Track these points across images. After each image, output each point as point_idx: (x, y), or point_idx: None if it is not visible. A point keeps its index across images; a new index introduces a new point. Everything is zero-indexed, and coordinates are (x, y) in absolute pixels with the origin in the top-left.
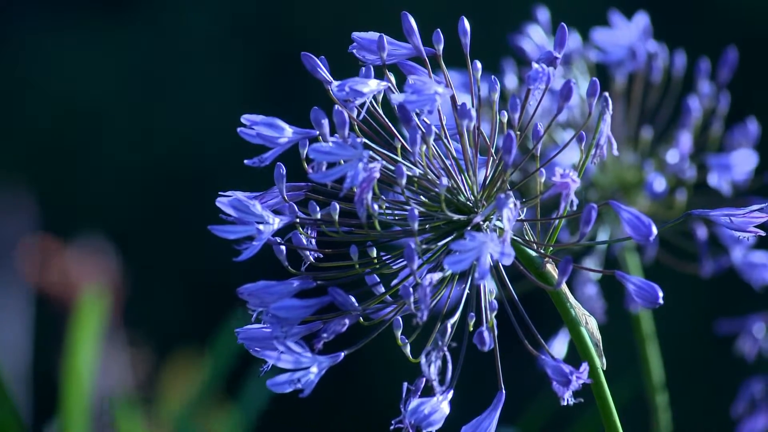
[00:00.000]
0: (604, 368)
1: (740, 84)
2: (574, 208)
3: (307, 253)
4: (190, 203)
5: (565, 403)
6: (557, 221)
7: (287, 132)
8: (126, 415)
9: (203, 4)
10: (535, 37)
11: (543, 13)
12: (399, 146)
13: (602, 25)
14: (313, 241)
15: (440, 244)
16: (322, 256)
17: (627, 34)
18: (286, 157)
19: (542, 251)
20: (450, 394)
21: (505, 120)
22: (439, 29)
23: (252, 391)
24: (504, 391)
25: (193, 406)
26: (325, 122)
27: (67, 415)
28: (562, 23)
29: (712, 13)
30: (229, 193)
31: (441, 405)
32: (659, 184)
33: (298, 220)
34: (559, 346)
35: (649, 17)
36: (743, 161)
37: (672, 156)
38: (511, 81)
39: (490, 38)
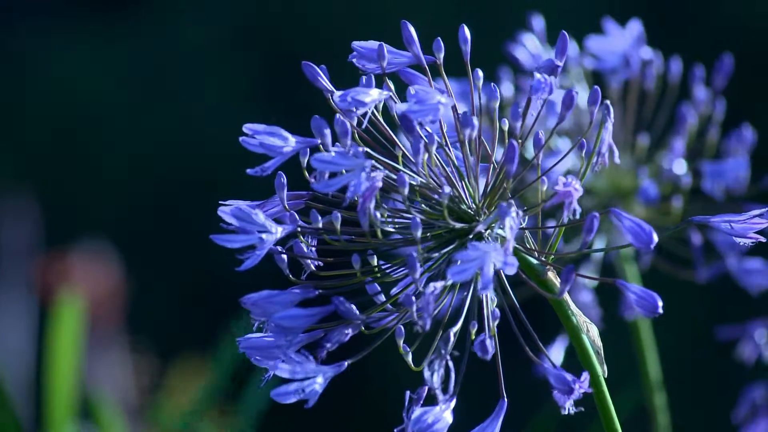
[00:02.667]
0: (606, 376)
1: (736, 90)
2: (577, 216)
3: (309, 261)
4: (192, 207)
5: (566, 412)
6: (559, 229)
7: (290, 141)
8: (108, 417)
9: (204, 8)
10: (530, 46)
11: (538, 22)
12: (400, 155)
13: (596, 33)
14: (314, 249)
15: (442, 252)
16: (323, 264)
17: (621, 42)
18: (287, 166)
19: (543, 259)
20: (453, 403)
21: (506, 128)
22: (439, 38)
23: (251, 399)
24: (506, 399)
25: (194, 413)
26: (327, 131)
27: (52, 421)
28: (563, 31)
29: (707, 20)
30: (230, 201)
31: (444, 414)
32: (652, 190)
33: (299, 229)
34: (556, 354)
35: (644, 24)
36: (737, 168)
37: (669, 162)
38: (507, 89)
39: (487, 46)
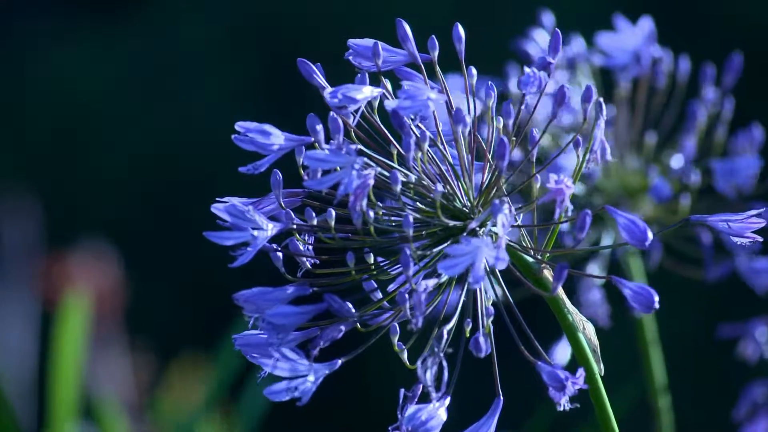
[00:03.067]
0: (602, 374)
1: (745, 89)
2: (569, 213)
3: (304, 259)
4: (191, 206)
5: (562, 409)
6: (554, 227)
7: (280, 139)
8: (110, 417)
9: (204, 8)
10: (541, 42)
11: (548, 18)
12: (395, 152)
13: (607, 29)
14: (310, 247)
15: (436, 250)
16: (318, 262)
17: (632, 39)
18: (284, 163)
19: (539, 257)
20: (447, 401)
21: (501, 125)
22: (434, 36)
23: (251, 399)
24: (502, 397)
25: (197, 415)
26: (320, 129)
27: (55, 421)
28: (557, 29)
29: (717, 18)
30: (225, 198)
31: (438, 411)
32: (664, 188)
33: (294, 226)
34: (562, 352)
35: (654, 22)
36: (748, 166)
37: (676, 161)
38: (515, 85)
39: (496, 42)
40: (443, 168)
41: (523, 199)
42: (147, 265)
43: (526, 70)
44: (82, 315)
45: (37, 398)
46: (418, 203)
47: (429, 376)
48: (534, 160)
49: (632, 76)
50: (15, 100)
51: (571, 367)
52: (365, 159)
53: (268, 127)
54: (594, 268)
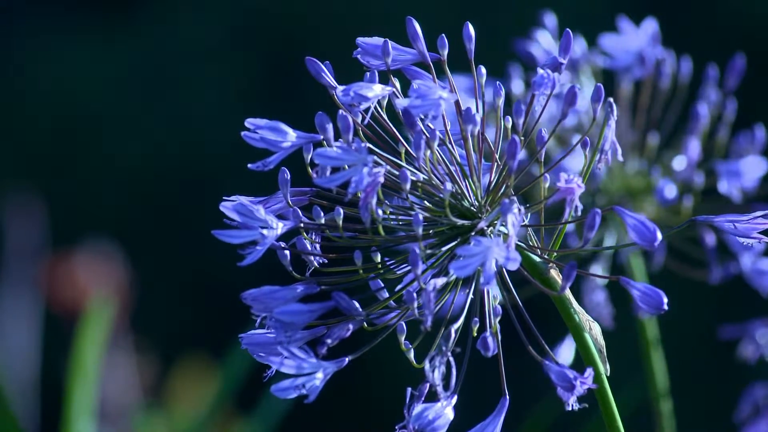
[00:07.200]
0: (608, 374)
1: (747, 91)
2: (579, 213)
3: (311, 258)
4: (195, 206)
5: (570, 409)
6: (562, 226)
7: (291, 136)
8: (146, 424)
9: (204, 8)
10: (543, 42)
11: (550, 19)
12: (403, 151)
13: (610, 31)
14: (318, 246)
15: (444, 249)
16: (326, 261)
17: (635, 40)
18: (289, 161)
19: (546, 256)
20: (454, 400)
21: (509, 125)
22: (443, 34)
23: (269, 403)
24: (508, 397)
25: (205, 418)
26: (330, 127)
27: (72, 423)
28: (567, 29)
29: (720, 19)
30: (233, 197)
31: (445, 410)
32: (670, 190)
33: (302, 225)
34: (566, 352)
35: (658, 23)
36: (753, 168)
37: (679, 162)
38: (517, 86)
39: (497, 43)
40: (451, 167)
41: (525, 199)
42: (148, 266)
43: (540, 71)
44: (105, 320)
45: (39, 399)
46: (425, 202)
47: (437, 375)
48: (542, 160)
49: (635, 78)
50: (15, 100)
51: (575, 367)
52: (375, 157)
53: (279, 125)
54: (597, 269)
